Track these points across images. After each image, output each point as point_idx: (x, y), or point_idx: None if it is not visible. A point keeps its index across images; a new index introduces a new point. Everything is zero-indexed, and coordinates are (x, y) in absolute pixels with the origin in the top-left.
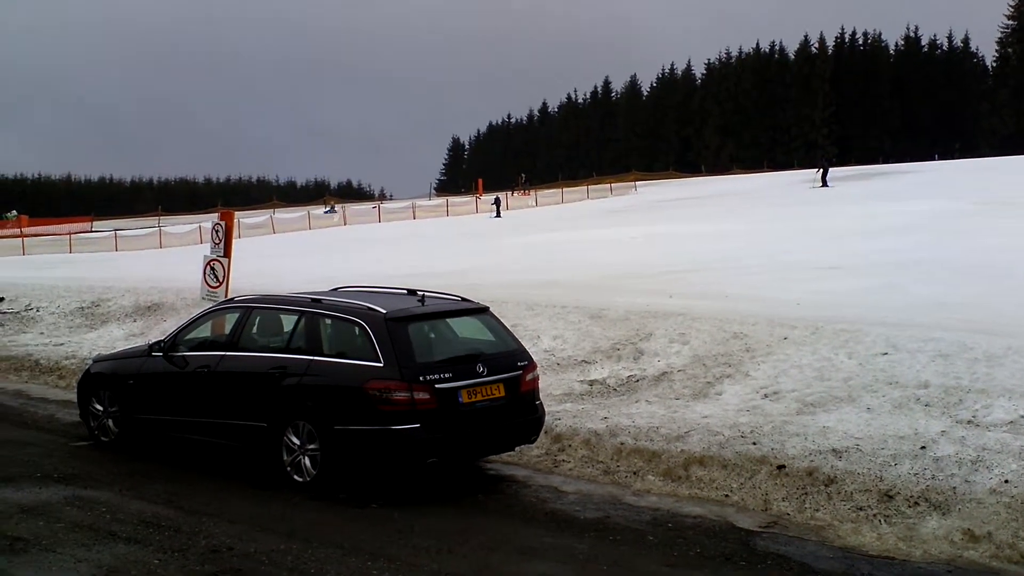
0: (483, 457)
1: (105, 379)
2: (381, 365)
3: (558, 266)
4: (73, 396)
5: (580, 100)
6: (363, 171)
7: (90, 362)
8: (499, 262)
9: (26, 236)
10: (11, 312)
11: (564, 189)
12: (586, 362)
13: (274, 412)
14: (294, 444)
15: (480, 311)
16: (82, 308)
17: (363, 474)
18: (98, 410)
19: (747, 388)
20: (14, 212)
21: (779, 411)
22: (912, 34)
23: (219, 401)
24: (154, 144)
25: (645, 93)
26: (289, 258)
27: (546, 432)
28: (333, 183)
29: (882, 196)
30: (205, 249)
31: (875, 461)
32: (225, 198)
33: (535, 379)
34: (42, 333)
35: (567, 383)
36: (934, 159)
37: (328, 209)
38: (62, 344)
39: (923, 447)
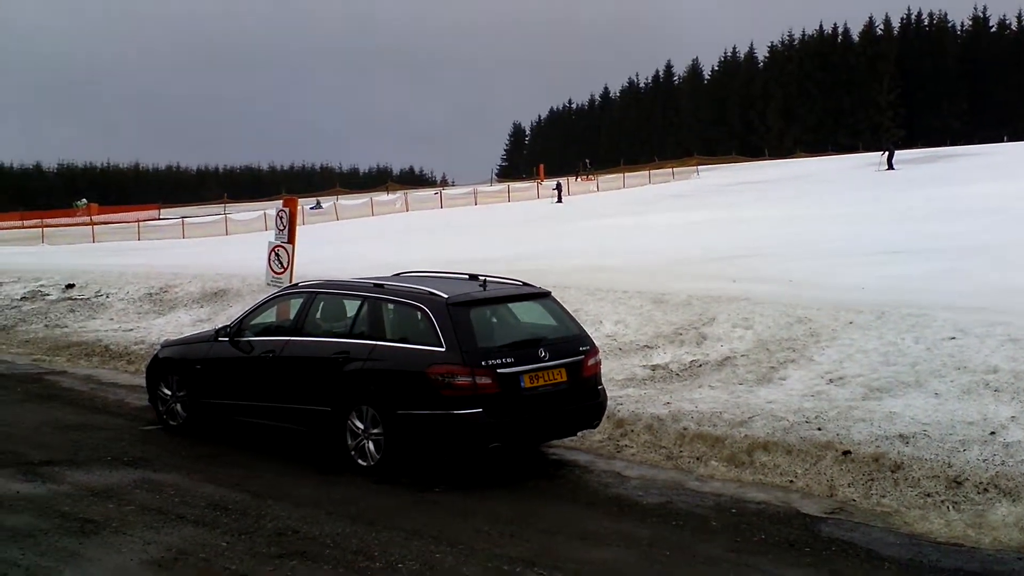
0: (545, 442)
1: (173, 364)
2: (443, 350)
3: (620, 251)
4: (142, 381)
5: (642, 85)
6: (425, 158)
7: (158, 347)
8: (561, 247)
9: (96, 224)
10: (82, 298)
11: (626, 174)
12: (648, 347)
13: (338, 397)
14: (358, 428)
15: (542, 296)
16: (150, 294)
17: (426, 458)
18: (166, 394)
19: (811, 373)
20: (84, 200)
21: (844, 396)
22: (980, 14)
23: (284, 386)
24: (217, 133)
25: (707, 77)
26: (352, 243)
27: (608, 417)
28: (396, 169)
29: (949, 179)
30: (270, 235)
31: (943, 447)
32: (289, 185)
33: (597, 364)
34: (112, 319)
35: (629, 368)
36: (1003, 141)
37: (314, 206)
38: (131, 330)
39: (992, 433)
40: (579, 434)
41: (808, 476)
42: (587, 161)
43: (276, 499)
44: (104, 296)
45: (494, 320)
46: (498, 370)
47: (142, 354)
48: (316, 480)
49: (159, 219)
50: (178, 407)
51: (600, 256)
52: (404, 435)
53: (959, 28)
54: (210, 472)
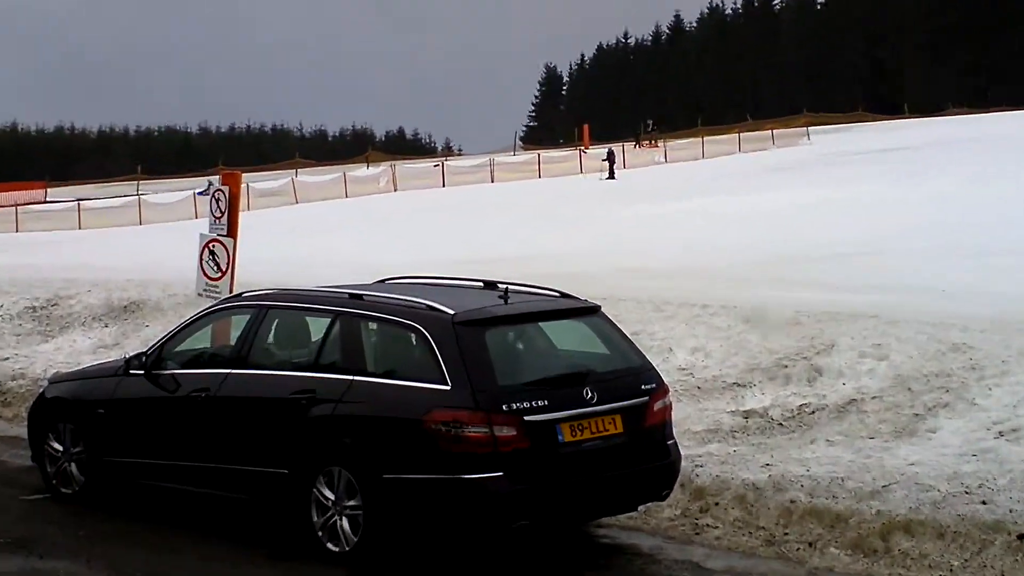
0: (593, 519)
1: (66, 407)
2: (448, 388)
3: (697, 248)
4: (22, 431)
5: (728, 10)
6: (420, 117)
7: (45, 384)
8: (613, 242)
9: None
10: None
11: (705, 138)
12: (739, 385)
13: (299, 454)
14: (327, 499)
15: (588, 312)
16: (33, 309)
17: (423, 543)
18: (56, 450)
19: (973, 423)
20: None
21: (1021, 456)
22: None
23: (222, 438)
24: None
25: (820, 1)
26: (318, 236)
27: (682, 485)
28: (379, 133)
29: None
30: (202, 226)
31: None
32: (229, 154)
33: (666, 409)
34: None
35: (712, 415)
36: None
37: (203, 191)
38: (7, 359)
39: None
40: (641, 509)
41: (969, 570)
42: (650, 122)
43: None
44: None
45: (520, 346)
46: (526, 417)
47: (23, 393)
48: (266, 571)
49: (45, 202)
50: (73, 468)
51: (669, 256)
52: (391, 509)
53: None
54: (118, 560)
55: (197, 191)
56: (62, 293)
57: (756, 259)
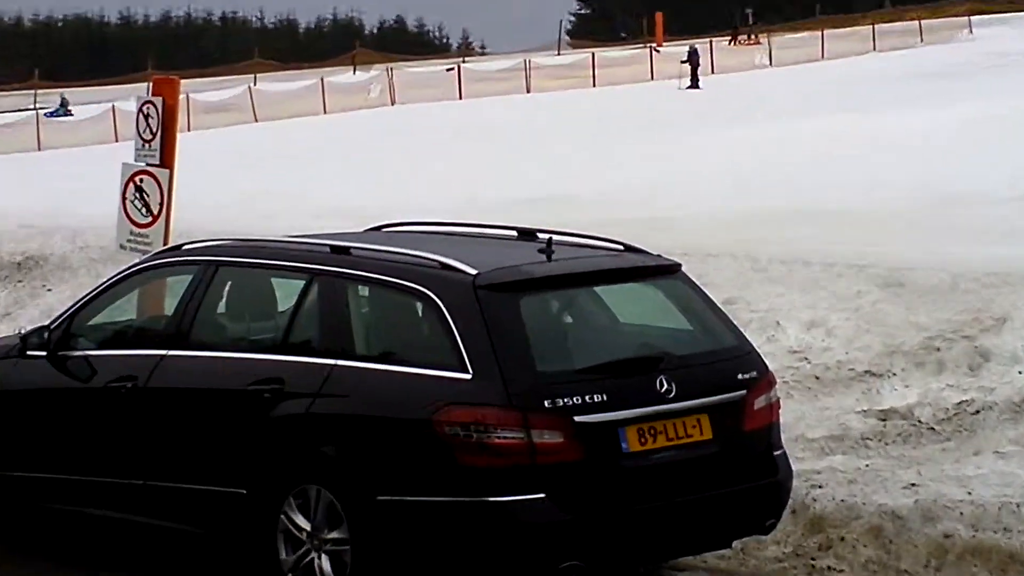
0: (668, 559)
1: None
2: (468, 377)
3: (809, 185)
4: None
5: None
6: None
7: None
8: (695, 176)
9: None
10: None
11: (826, 32)
12: (873, 374)
13: (261, 469)
14: (300, 530)
15: (664, 272)
16: None
17: None
18: None
19: None
20: None
21: None
22: None
23: (154, 446)
24: None
25: None
26: (286, 169)
27: (793, 512)
28: (369, 24)
29: None
30: (126, 153)
31: None
32: (162, 53)
33: (772, 408)
34: None
35: (836, 416)
36: None
37: (54, 111)
38: None
39: None
40: (736, 545)
41: None
42: (749, 11)
43: None
44: None
45: (568, 319)
46: (577, 417)
47: None
48: None
49: None
50: None
51: (771, 194)
52: (389, 544)
53: None
54: None
55: (46, 111)
56: None
57: (897, 200)
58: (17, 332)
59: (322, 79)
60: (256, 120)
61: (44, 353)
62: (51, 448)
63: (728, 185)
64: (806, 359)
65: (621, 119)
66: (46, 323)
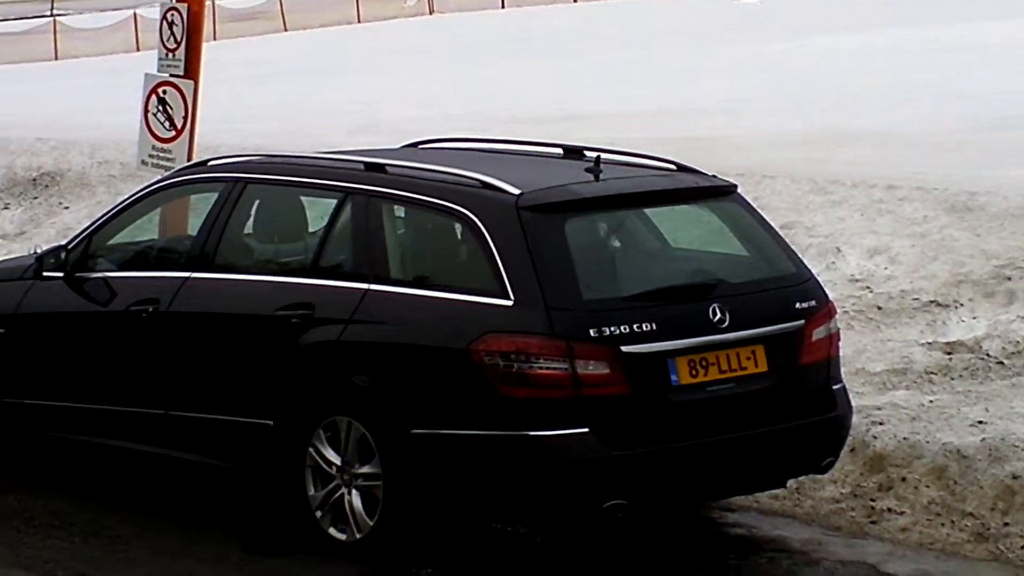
0: (720, 499)
1: None
2: (509, 304)
3: (877, 100)
4: None
5: None
6: None
7: None
8: (752, 90)
9: None
10: None
11: None
12: (939, 304)
13: (289, 399)
14: (329, 464)
15: (718, 193)
16: None
17: (470, 528)
18: None
19: None
20: None
21: None
22: None
23: (175, 373)
24: None
25: None
26: (317, 81)
27: (852, 450)
28: None
29: None
30: (147, 62)
31: None
32: None
33: (831, 339)
34: None
35: (899, 349)
36: None
37: None
38: None
39: None
40: (792, 484)
41: None
42: None
43: None
44: None
45: (616, 243)
46: (624, 347)
47: None
48: (236, 571)
49: None
50: None
51: (834, 110)
52: (423, 480)
53: None
54: (24, 549)
55: None
56: None
57: (968, 118)
58: (33, 252)
59: None
60: (285, 29)
61: (61, 274)
62: (67, 375)
63: (785, 100)
64: (868, 288)
65: (669, 31)
66: (63, 243)
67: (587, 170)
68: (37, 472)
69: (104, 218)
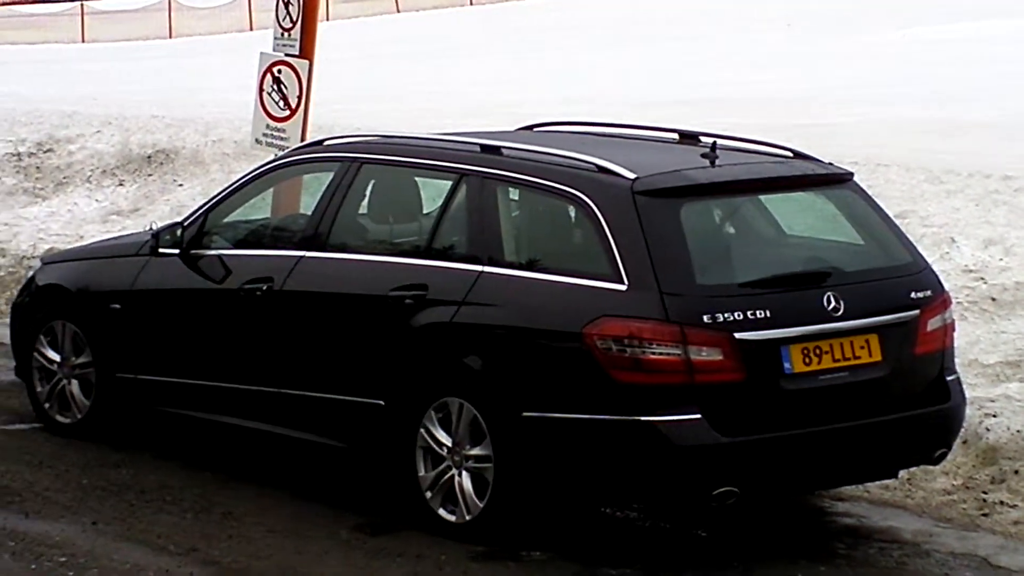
0: (830, 488)
1: (66, 300)
2: (623, 288)
3: (993, 90)
4: (2, 331)
5: None
6: None
7: (37, 265)
8: (868, 76)
9: None
10: None
11: None
12: None
13: (401, 379)
14: (440, 445)
15: (834, 181)
16: (17, 156)
17: (578, 512)
18: (51, 361)
19: None
20: None
21: None
22: None
23: (288, 351)
24: None
25: None
26: (430, 63)
27: (964, 442)
28: None
29: None
30: (262, 41)
31: None
32: None
33: (946, 329)
34: None
35: (1011, 340)
36: None
37: None
38: None
39: None
40: (903, 475)
41: None
42: None
43: None
44: None
45: (731, 229)
46: (738, 334)
47: (3, 277)
48: (351, 550)
49: (33, 1)
50: (74, 387)
51: (951, 99)
52: (534, 463)
53: None
54: (136, 523)
55: None
56: (58, 134)
57: None
58: (148, 229)
59: None
60: (398, 10)
61: (177, 251)
62: (180, 351)
63: (902, 87)
64: (982, 279)
65: (778, 18)
66: (179, 220)
67: (703, 155)
68: (150, 447)
69: (220, 196)
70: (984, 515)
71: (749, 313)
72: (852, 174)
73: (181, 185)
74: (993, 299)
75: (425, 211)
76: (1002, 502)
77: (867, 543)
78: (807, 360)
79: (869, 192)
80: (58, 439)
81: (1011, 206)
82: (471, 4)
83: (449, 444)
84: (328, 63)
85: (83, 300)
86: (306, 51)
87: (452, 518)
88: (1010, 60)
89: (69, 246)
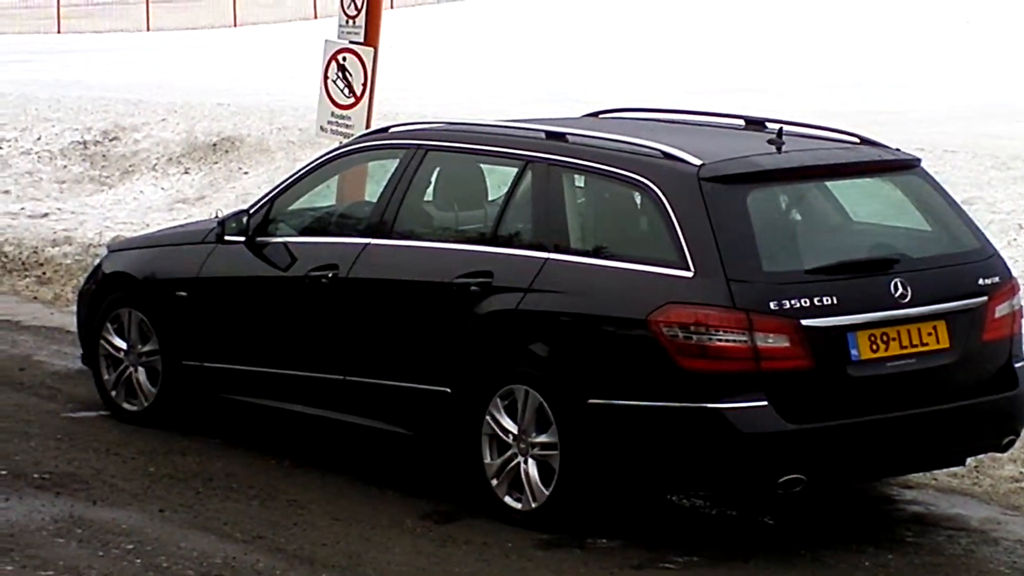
0: (897, 475)
1: (132, 288)
2: (689, 275)
3: None
4: (68, 319)
5: None
6: None
7: (103, 253)
8: (937, 62)
9: None
10: None
11: None
12: None
13: (466, 367)
14: (506, 433)
15: (902, 167)
16: (83, 144)
17: (643, 499)
18: (118, 349)
19: None
20: None
21: None
22: None
23: (354, 339)
24: None
25: None
26: (495, 50)
27: None
28: None
29: None
30: (327, 30)
31: None
32: None
33: (1015, 316)
34: (6, 192)
35: None
36: None
37: None
38: (45, 215)
39: None
40: (971, 463)
41: None
42: None
43: (333, 569)
44: None
45: (797, 216)
46: (804, 320)
47: (68, 266)
48: (416, 537)
49: None
50: (140, 375)
51: (1015, 88)
52: (599, 450)
53: None
54: (204, 511)
55: None
56: (124, 123)
57: None
58: (214, 216)
59: None
60: None
61: (243, 239)
62: (247, 339)
63: (965, 77)
64: None
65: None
66: (245, 207)
67: (769, 142)
68: (216, 435)
69: (286, 183)
70: None
71: (816, 300)
72: (919, 160)
73: (246, 173)
74: None
75: (490, 198)
76: None
77: (934, 531)
78: (874, 347)
79: (936, 177)
80: (125, 427)
81: None
82: None
83: (515, 431)
84: (392, 50)
85: (149, 288)
86: (371, 38)
87: (518, 506)
88: None
89: (135, 234)
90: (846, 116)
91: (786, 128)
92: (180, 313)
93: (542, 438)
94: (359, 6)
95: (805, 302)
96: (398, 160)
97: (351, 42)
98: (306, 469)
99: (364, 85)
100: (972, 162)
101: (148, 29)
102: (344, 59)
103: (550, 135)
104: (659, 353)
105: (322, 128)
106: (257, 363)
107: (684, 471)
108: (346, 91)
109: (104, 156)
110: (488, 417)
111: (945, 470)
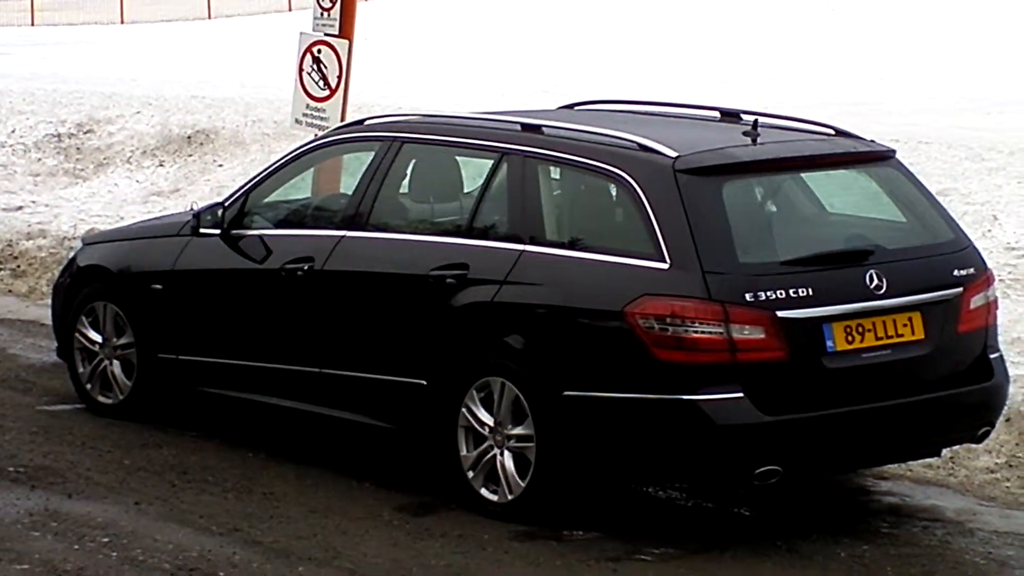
0: (873, 467)
1: (107, 281)
2: (665, 267)
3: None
4: (43, 312)
5: None
6: None
7: (78, 246)
8: (915, 54)
9: None
10: None
11: None
12: None
13: (442, 359)
14: (482, 425)
15: (877, 159)
16: (58, 137)
17: (619, 490)
18: (93, 342)
19: None
20: None
21: None
22: None
23: (329, 331)
24: None
25: None
26: (469, 38)
27: (1008, 420)
28: None
29: None
30: (302, 22)
31: None
32: None
33: (989, 307)
34: None
35: None
36: None
37: None
38: (19, 208)
39: None
40: (946, 454)
41: None
42: None
43: (313, 567)
44: None
45: (773, 207)
46: (780, 312)
47: (42, 259)
48: (393, 530)
49: None
50: (116, 368)
51: (988, 80)
52: (575, 442)
53: None
54: (179, 503)
55: None
56: (98, 115)
57: None
58: (189, 209)
59: None
60: None
61: (218, 231)
62: (222, 331)
63: (940, 69)
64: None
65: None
66: (220, 200)
67: (744, 133)
68: (191, 428)
69: (261, 176)
70: None
71: (791, 291)
72: (894, 151)
73: (221, 166)
74: None
75: (466, 190)
76: None
77: (910, 522)
78: (849, 338)
79: (912, 168)
80: (100, 420)
81: None
82: None
83: (491, 424)
84: (367, 42)
85: (124, 281)
86: (346, 30)
87: (494, 497)
88: None
89: (110, 227)
90: (822, 107)
91: (761, 120)
92: (155, 306)
93: (518, 430)
94: None
95: (781, 293)
96: (373, 152)
97: (326, 34)
98: (282, 461)
99: (339, 77)
100: (947, 153)
101: (122, 22)
102: (319, 51)
103: (525, 127)
104: (635, 345)
105: (297, 121)
106: (233, 356)
107: (660, 463)
108: (321, 83)
109: (78, 149)
110: (464, 409)
111: (920, 461)
